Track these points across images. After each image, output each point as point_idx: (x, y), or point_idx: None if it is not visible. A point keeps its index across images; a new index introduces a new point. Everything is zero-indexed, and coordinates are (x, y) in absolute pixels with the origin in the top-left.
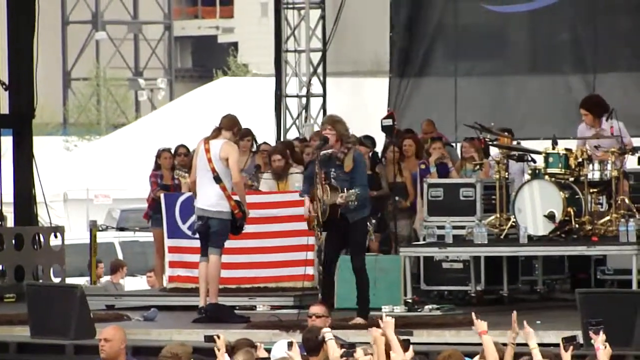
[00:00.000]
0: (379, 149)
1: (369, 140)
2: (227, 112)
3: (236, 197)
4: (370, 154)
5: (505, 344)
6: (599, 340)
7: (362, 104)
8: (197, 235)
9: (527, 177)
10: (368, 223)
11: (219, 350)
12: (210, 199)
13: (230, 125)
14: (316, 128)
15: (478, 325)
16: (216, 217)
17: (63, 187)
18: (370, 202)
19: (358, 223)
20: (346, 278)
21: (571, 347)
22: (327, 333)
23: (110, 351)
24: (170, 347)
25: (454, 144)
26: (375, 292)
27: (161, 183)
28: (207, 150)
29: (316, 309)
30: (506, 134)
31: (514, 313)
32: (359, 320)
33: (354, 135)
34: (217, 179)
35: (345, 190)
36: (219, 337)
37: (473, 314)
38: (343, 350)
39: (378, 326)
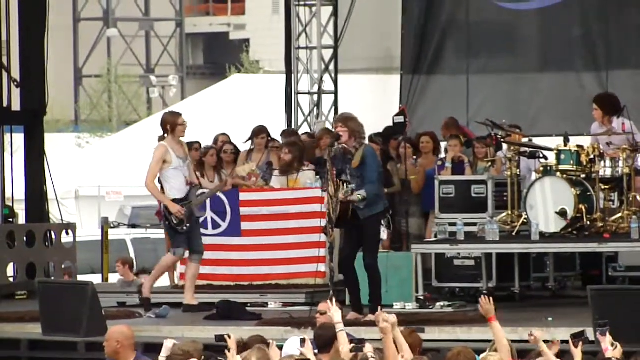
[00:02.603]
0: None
1: (379, 137)
2: (239, 109)
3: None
4: (382, 151)
5: (514, 341)
6: (607, 341)
7: (373, 101)
8: (208, 232)
9: (534, 175)
10: (382, 221)
11: (229, 351)
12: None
13: (163, 128)
14: (328, 125)
15: (485, 307)
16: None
17: (75, 184)
18: (383, 198)
19: (370, 219)
20: (360, 275)
21: (580, 343)
22: (339, 324)
23: (107, 350)
24: (182, 344)
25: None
26: (387, 289)
27: None
28: None
29: (324, 306)
30: (518, 130)
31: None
32: (371, 317)
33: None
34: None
35: (352, 189)
36: (229, 337)
37: (482, 297)
38: (352, 345)
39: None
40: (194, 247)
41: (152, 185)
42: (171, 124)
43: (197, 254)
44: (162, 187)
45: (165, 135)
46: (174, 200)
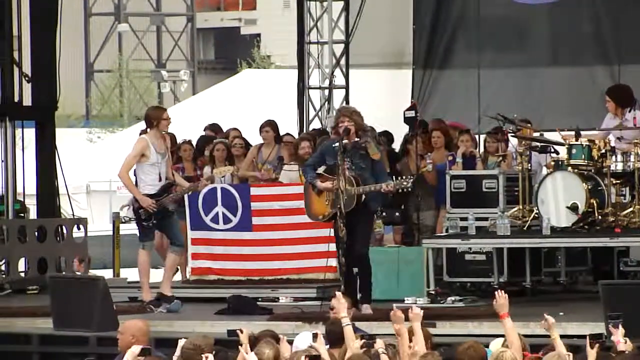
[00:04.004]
0: (396, 144)
1: (384, 137)
2: (250, 104)
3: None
4: (387, 151)
5: (526, 335)
6: (619, 334)
7: (385, 96)
8: (219, 227)
9: (545, 170)
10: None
11: (241, 345)
12: None
13: (147, 123)
14: None
15: (499, 302)
16: None
17: (86, 179)
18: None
19: (371, 212)
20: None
21: (597, 345)
22: (345, 318)
23: (121, 344)
24: (192, 339)
25: (476, 136)
26: (398, 284)
27: (183, 176)
28: None
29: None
30: (529, 125)
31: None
32: (365, 308)
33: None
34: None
35: (365, 181)
36: (241, 331)
37: (498, 291)
38: (363, 341)
39: (391, 317)
40: (172, 239)
41: (125, 177)
42: (156, 119)
43: (176, 246)
44: (135, 180)
45: (148, 129)
46: (146, 196)
